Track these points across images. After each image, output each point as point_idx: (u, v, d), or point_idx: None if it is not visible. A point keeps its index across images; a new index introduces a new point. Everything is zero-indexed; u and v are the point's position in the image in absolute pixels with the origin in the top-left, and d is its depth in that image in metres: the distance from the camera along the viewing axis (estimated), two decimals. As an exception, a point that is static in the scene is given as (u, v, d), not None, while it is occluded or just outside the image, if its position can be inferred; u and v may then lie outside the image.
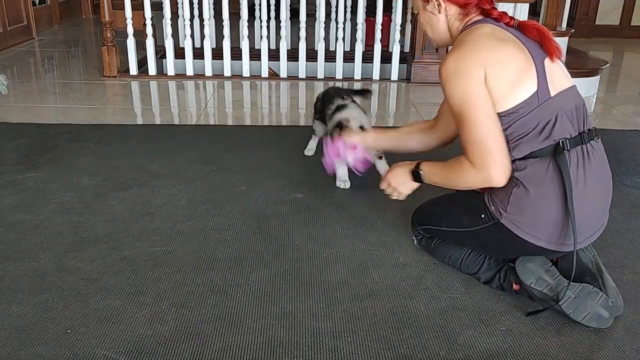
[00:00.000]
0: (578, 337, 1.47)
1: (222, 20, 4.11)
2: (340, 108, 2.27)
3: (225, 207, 2.13)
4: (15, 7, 5.22)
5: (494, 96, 1.43)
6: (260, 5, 4.65)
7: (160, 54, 4.33)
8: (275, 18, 5.03)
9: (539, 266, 1.55)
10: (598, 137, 1.52)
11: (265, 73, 4.26)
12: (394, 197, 1.76)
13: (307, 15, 4.25)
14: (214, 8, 4.69)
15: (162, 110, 3.55)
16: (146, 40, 4.11)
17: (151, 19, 4.08)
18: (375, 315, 1.54)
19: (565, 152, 1.44)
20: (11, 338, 1.41)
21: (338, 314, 1.54)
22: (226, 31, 4.14)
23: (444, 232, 1.73)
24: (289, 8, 4.21)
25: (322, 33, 4.22)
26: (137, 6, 4.16)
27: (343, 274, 1.73)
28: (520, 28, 1.51)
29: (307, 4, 4.38)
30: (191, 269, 1.73)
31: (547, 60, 1.46)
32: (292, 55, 4.23)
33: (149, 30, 4.09)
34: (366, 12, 4.66)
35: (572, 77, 1.54)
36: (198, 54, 4.24)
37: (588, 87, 3.87)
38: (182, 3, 4.21)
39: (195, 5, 4.92)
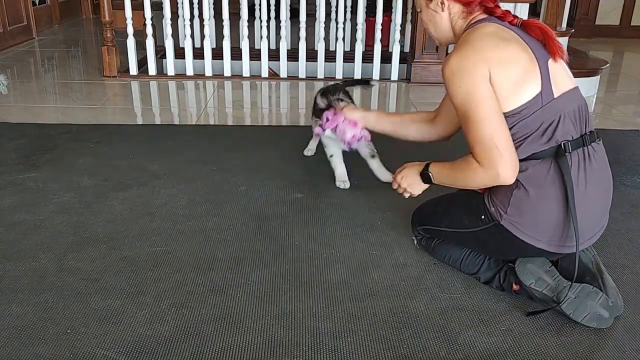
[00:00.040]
0: (578, 337, 1.47)
1: (222, 20, 4.11)
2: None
3: (225, 207, 2.13)
4: (15, 7, 5.22)
5: (498, 96, 1.42)
6: (260, 5, 4.65)
7: (160, 54, 4.33)
8: (275, 18, 5.03)
9: (539, 267, 1.55)
10: (599, 139, 1.52)
11: (265, 73, 4.26)
12: (407, 196, 1.76)
13: (307, 15, 4.25)
14: (214, 8, 4.69)
15: (162, 110, 3.55)
16: (146, 40, 4.11)
17: (151, 19, 4.08)
18: (375, 315, 1.54)
19: (566, 154, 1.43)
20: (11, 338, 1.41)
21: (338, 314, 1.54)
22: (226, 31, 4.14)
23: (444, 232, 1.73)
24: (289, 8, 4.21)
25: (322, 33, 4.22)
26: (137, 6, 4.16)
27: (343, 274, 1.73)
28: (523, 27, 1.50)
29: (307, 4, 4.38)
30: (191, 269, 1.73)
31: (550, 61, 1.46)
32: (292, 55, 4.23)
33: (149, 30, 4.09)
34: (366, 12, 4.66)
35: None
36: (198, 54, 4.24)
37: (588, 87, 3.87)
38: (182, 3, 4.21)
39: (195, 5, 4.92)
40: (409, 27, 4.62)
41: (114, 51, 4.03)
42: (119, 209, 2.09)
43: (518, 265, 1.57)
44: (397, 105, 3.87)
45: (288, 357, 1.38)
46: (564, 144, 1.43)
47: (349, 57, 4.26)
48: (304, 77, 4.22)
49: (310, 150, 2.64)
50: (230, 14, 4.11)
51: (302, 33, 4.18)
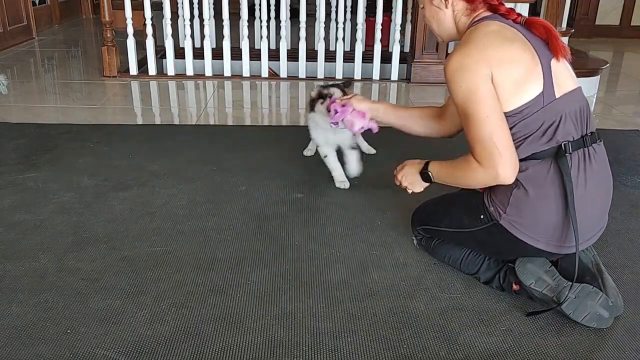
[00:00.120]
0: (578, 337, 1.47)
1: (222, 20, 4.11)
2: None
3: (225, 207, 2.13)
4: (15, 7, 5.22)
5: (500, 96, 1.42)
6: (260, 5, 4.65)
7: (160, 54, 4.33)
8: (275, 18, 5.03)
9: (539, 267, 1.55)
10: (600, 140, 1.52)
11: (265, 73, 4.26)
12: (410, 192, 1.75)
13: (307, 15, 4.25)
14: (214, 8, 4.69)
15: (162, 110, 3.55)
16: (146, 40, 4.11)
17: (151, 19, 4.08)
18: (375, 315, 1.54)
19: (567, 154, 1.43)
20: (11, 338, 1.41)
21: (338, 314, 1.54)
22: (226, 31, 4.14)
23: (444, 232, 1.73)
24: (289, 8, 4.21)
25: (322, 33, 4.22)
26: (137, 6, 4.16)
27: (343, 274, 1.73)
28: (527, 25, 1.50)
29: (307, 4, 4.38)
30: (191, 269, 1.73)
31: (553, 61, 1.45)
32: (292, 55, 4.23)
33: (149, 30, 4.09)
34: (366, 12, 4.66)
35: (573, 77, 1.54)
36: (198, 54, 4.24)
37: (588, 87, 3.87)
38: (182, 3, 4.21)
39: (195, 5, 4.92)
40: (409, 27, 4.62)
41: (114, 51, 4.03)
42: (119, 209, 2.09)
43: (518, 265, 1.57)
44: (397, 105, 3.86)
45: (288, 357, 1.38)
46: (564, 144, 1.43)
47: (349, 57, 4.26)
48: (304, 77, 4.22)
49: (310, 150, 2.64)
50: (230, 14, 4.11)
51: (302, 33, 4.18)
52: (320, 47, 4.20)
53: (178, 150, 2.68)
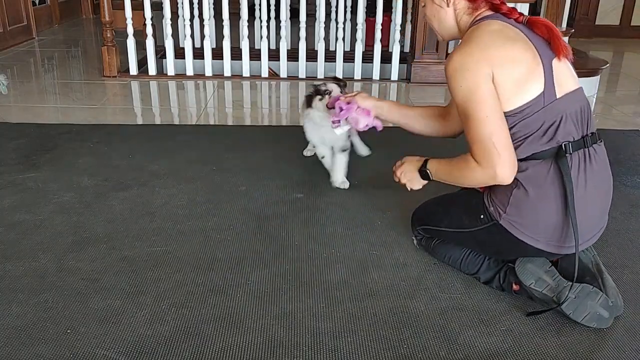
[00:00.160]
0: (578, 337, 1.47)
1: (222, 20, 4.11)
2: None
3: (225, 207, 2.13)
4: (15, 7, 5.22)
5: (500, 95, 1.42)
6: (260, 5, 4.65)
7: (160, 54, 4.33)
8: (275, 18, 5.03)
9: (539, 267, 1.55)
10: (601, 141, 1.52)
11: (265, 73, 4.26)
12: (409, 189, 1.75)
13: (307, 15, 4.25)
14: (214, 8, 4.69)
15: (162, 110, 3.55)
16: (146, 40, 4.11)
17: (151, 19, 4.08)
18: (375, 315, 1.54)
19: (567, 155, 1.43)
20: (11, 338, 1.41)
21: (338, 314, 1.54)
22: (226, 31, 4.14)
23: (444, 232, 1.72)
24: (289, 8, 4.21)
25: (322, 33, 4.22)
26: (137, 6, 4.16)
27: (343, 274, 1.73)
28: (529, 25, 1.49)
29: (307, 4, 4.38)
30: (191, 269, 1.73)
31: (554, 60, 1.45)
32: (292, 55, 4.23)
33: (149, 30, 4.09)
34: (366, 12, 4.66)
35: (573, 77, 1.53)
36: (198, 54, 4.24)
37: (588, 87, 3.87)
38: (182, 3, 4.21)
39: (195, 5, 4.92)
40: (409, 27, 4.63)
41: (114, 51, 4.03)
42: (119, 209, 2.09)
43: (518, 265, 1.57)
44: (397, 105, 3.86)
45: (288, 357, 1.38)
46: (564, 144, 1.43)
47: (349, 57, 4.26)
48: (304, 77, 4.22)
49: (310, 150, 2.64)
50: (230, 14, 4.11)
51: (302, 33, 4.18)
52: (320, 47, 4.20)
53: (178, 150, 2.68)
